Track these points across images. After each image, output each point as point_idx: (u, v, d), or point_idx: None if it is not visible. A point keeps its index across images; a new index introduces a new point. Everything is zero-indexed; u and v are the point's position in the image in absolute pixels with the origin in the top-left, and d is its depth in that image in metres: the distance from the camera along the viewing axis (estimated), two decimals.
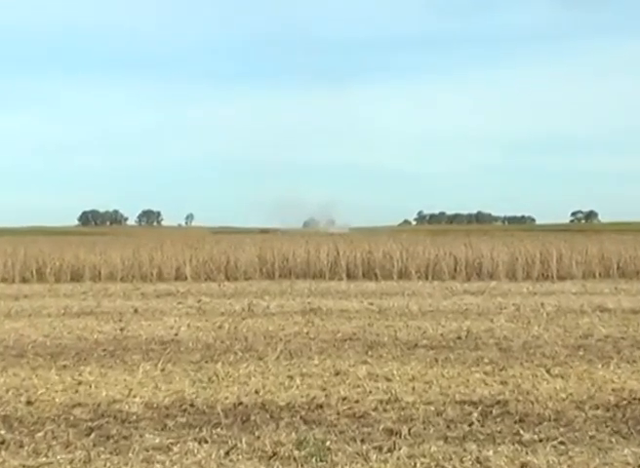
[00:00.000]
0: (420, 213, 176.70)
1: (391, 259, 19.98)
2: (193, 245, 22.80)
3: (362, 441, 5.27)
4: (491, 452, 5.04)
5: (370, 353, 8.38)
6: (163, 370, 7.54)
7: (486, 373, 7.31)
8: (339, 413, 5.94)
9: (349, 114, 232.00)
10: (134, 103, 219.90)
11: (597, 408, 6.09)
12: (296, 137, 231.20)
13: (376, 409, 6.05)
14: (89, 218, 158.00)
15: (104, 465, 4.89)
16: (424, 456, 4.97)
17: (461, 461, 4.89)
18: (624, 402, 6.26)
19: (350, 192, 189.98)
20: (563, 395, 6.45)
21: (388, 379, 7.06)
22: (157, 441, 5.30)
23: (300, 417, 5.84)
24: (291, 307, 12.98)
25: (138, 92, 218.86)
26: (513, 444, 5.23)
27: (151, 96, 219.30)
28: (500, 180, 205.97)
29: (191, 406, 6.19)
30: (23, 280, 19.39)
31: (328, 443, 5.21)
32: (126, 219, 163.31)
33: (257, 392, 6.60)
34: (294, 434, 5.40)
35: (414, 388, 6.72)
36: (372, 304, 13.35)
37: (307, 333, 9.87)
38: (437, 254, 20.30)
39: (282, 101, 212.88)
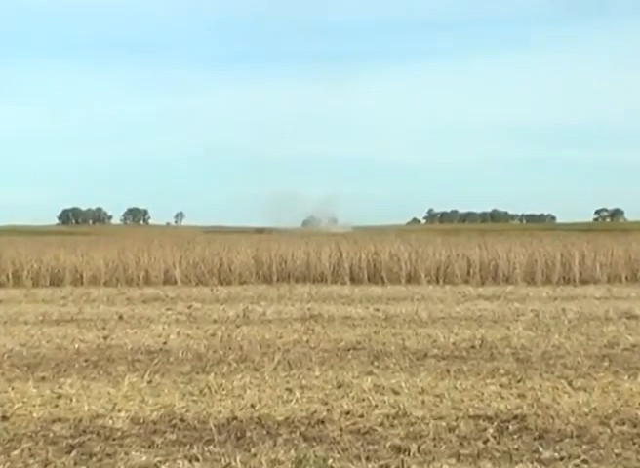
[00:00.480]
0: (430, 211, 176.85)
1: (399, 261, 20.00)
2: (183, 246, 22.83)
3: (367, 459, 5.27)
4: None
5: (375, 363, 8.38)
6: (150, 382, 7.54)
7: (502, 386, 7.31)
8: (341, 429, 5.94)
9: (350, 103, 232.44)
10: (118, 91, 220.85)
11: (623, 423, 6.08)
12: (293, 129, 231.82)
13: (382, 425, 6.05)
14: (69, 217, 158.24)
15: None
16: None
17: None
18: None
19: (353, 188, 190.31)
20: (586, 409, 6.45)
21: (396, 392, 7.06)
22: (144, 459, 5.30)
23: (300, 433, 5.84)
24: (289, 313, 12.99)
25: (122, 79, 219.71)
26: (532, 462, 5.22)
27: (138, 83, 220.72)
28: (517, 175, 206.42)
29: (181, 421, 6.19)
30: None
31: (330, 461, 5.21)
32: (110, 218, 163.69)
33: (252, 406, 6.60)
34: (293, 451, 5.40)
35: (423, 402, 6.72)
36: (378, 310, 13.36)
37: (307, 342, 9.88)
38: (449, 256, 20.31)
39: (278, 89, 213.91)
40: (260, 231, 66.85)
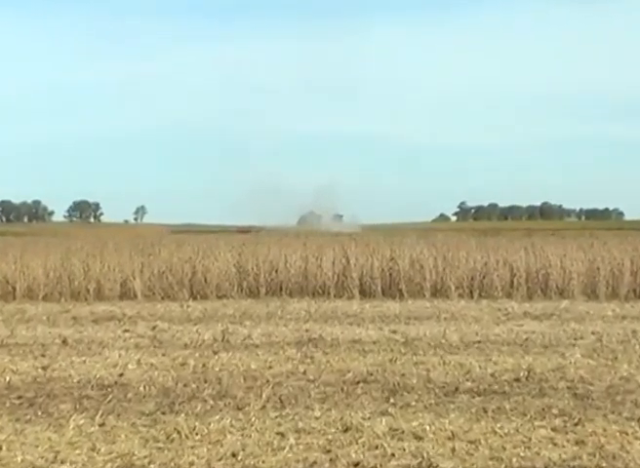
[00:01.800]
0: (462, 204, 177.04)
1: (422, 270, 19.98)
2: (145, 249, 22.81)
3: None
4: None
5: (392, 401, 8.37)
6: (103, 424, 7.53)
7: (555, 430, 7.31)
8: None
9: (349, 68, 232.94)
10: (62, 52, 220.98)
11: None
12: (279, 101, 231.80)
13: None
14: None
15: None
16: None
17: None
18: None
19: (360, 176, 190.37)
20: None
21: (418, 437, 7.05)
22: None
23: None
24: (282, 336, 12.97)
25: (54, 37, 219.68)
26: None
27: (75, 43, 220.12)
28: (574, 160, 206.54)
29: None
30: None
31: None
32: (51, 214, 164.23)
33: (234, 455, 6.59)
34: None
35: (453, 450, 6.71)
36: (395, 332, 13.35)
37: (305, 373, 9.86)
38: (486, 263, 20.28)
39: (259, 50, 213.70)
40: (244, 231, 66.76)
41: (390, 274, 20.13)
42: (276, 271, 20.26)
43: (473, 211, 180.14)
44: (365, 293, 19.71)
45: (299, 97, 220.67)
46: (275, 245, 23.01)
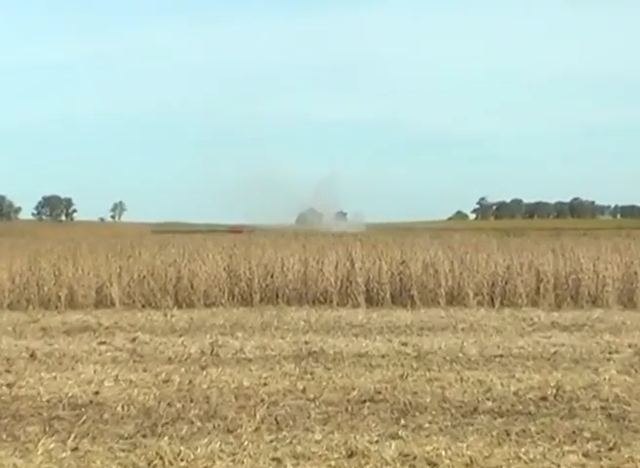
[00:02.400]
0: (481, 200, 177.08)
1: (436, 274, 19.97)
2: (124, 251, 22.80)
3: None
4: None
5: (403, 422, 8.37)
6: (76, 449, 7.51)
7: (587, 455, 7.29)
8: None
9: (350, 46, 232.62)
10: (24, 32, 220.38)
11: None
12: (274, 85, 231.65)
13: None
14: None
15: None
16: None
17: None
18: None
19: (364, 168, 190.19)
20: None
21: (432, 464, 7.04)
22: None
23: None
24: (278, 349, 12.96)
25: (30, 15, 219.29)
26: None
27: (53, 21, 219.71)
28: (608, 152, 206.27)
29: None
30: None
31: None
32: (17, 211, 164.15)
33: None
34: None
35: None
36: (405, 345, 13.34)
37: (304, 391, 9.86)
38: (509, 267, 20.27)
39: (249, 28, 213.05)
40: (235, 230, 66.83)
41: (401, 279, 20.13)
42: (272, 276, 20.26)
43: (494, 208, 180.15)
44: (372, 301, 19.71)
45: (296, 81, 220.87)
46: (271, 246, 23.03)
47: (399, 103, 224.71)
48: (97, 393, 9.88)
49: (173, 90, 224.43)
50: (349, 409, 8.98)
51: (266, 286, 20.14)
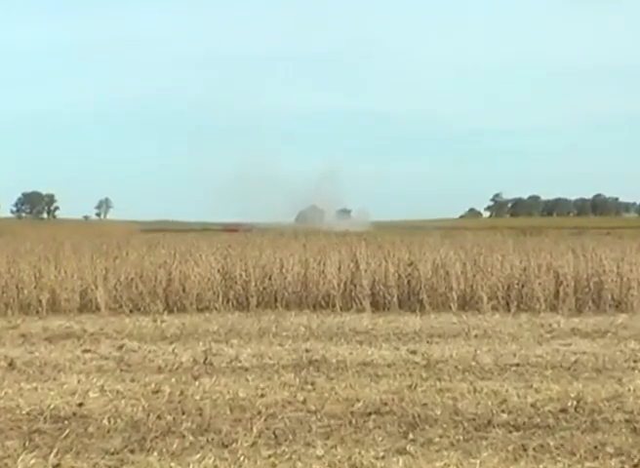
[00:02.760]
0: (496, 197, 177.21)
1: (447, 277, 19.96)
2: (110, 252, 22.80)
3: None
4: None
5: (411, 436, 8.36)
6: (58, 465, 7.51)
7: None
8: None
9: (352, 36, 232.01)
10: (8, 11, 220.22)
11: None
12: (270, 73, 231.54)
13: None
14: None
15: None
16: None
17: None
18: None
19: (369, 162, 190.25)
20: None
21: None
22: None
23: None
24: (277, 358, 12.96)
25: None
26: None
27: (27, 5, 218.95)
28: (632, 146, 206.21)
29: None
30: None
31: None
32: None
33: None
34: None
35: None
36: (414, 353, 13.34)
37: (305, 403, 9.86)
38: (526, 268, 20.26)
39: (247, 17, 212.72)
40: (231, 229, 66.91)
41: (409, 282, 20.13)
42: (270, 278, 20.27)
43: (510, 205, 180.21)
44: (378, 306, 19.71)
45: (294, 70, 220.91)
46: (269, 246, 23.05)
47: (405, 95, 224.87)
48: (81, 405, 9.87)
49: (165, 79, 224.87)
50: (353, 422, 8.98)
51: (264, 289, 20.14)
